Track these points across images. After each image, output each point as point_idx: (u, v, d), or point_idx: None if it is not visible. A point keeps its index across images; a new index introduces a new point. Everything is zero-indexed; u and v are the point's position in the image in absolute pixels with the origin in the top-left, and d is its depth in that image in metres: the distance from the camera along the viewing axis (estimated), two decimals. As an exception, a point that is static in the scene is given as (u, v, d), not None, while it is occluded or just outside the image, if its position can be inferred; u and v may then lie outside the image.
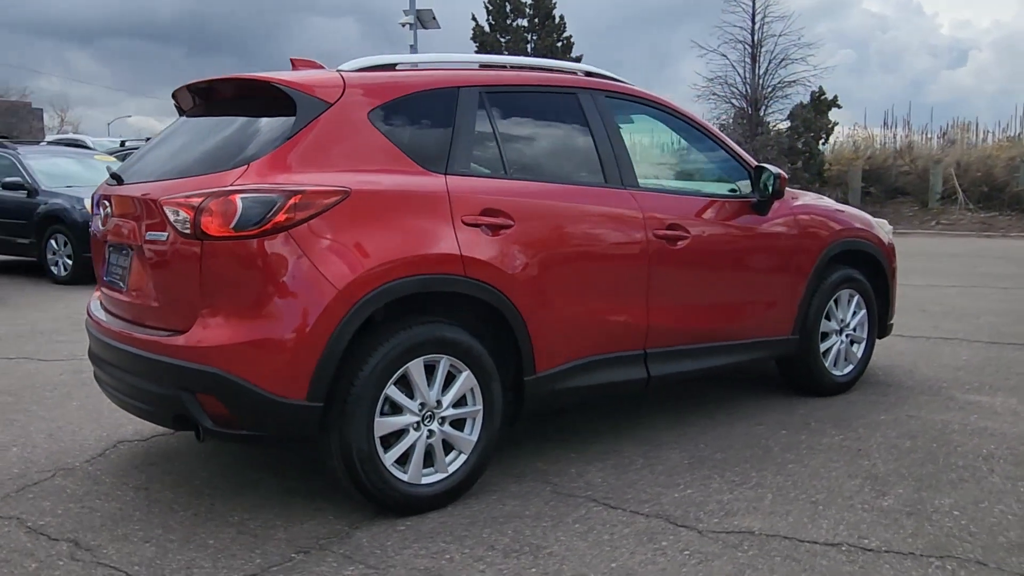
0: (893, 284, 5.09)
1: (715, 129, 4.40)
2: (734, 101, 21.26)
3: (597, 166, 3.71)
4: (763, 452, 3.83)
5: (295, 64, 3.54)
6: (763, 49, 20.98)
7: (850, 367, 4.85)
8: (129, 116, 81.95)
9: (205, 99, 3.57)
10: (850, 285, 4.76)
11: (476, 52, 24.50)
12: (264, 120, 3.09)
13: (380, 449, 2.99)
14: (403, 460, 3.08)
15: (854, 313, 4.82)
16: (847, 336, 4.80)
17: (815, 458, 3.73)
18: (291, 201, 2.79)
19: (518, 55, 23.70)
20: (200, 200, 2.81)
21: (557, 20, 24.14)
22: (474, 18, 24.30)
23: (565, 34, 24.41)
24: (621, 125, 3.91)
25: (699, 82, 22.03)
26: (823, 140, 21.29)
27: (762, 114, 21.15)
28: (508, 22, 24.28)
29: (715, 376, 4.83)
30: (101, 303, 3.59)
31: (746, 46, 21.01)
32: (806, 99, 21.03)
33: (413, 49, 22.37)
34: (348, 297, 2.84)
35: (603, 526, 3.04)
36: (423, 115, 3.26)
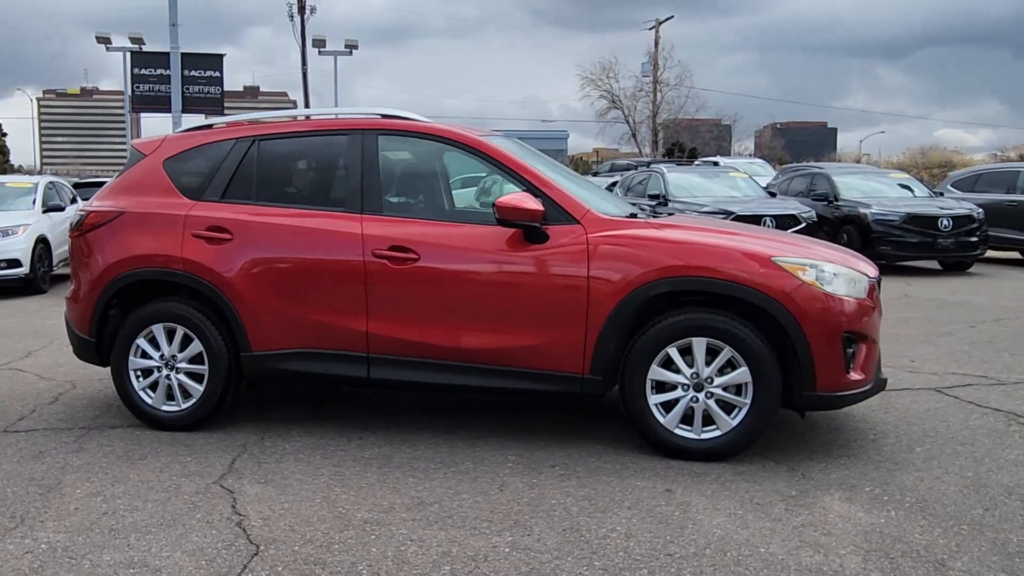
0: (820, 344, 3.96)
1: (516, 159, 4.37)
2: None
3: (343, 194, 4.46)
4: (459, 476, 3.98)
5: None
6: None
7: (715, 432, 4.08)
8: (882, 132, 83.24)
9: None
10: (708, 334, 4.03)
11: None
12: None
13: (134, 379, 4.63)
14: (155, 390, 4.63)
15: (725, 369, 4.04)
16: (709, 395, 4.06)
17: (495, 497, 3.75)
18: (89, 216, 4.69)
19: None
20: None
21: None
22: None
23: None
24: (440, 162, 4.56)
25: None
26: None
27: None
28: None
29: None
30: None
31: None
32: None
33: None
34: (106, 276, 4.59)
35: (196, 476, 4.01)
36: (199, 162, 4.67)
